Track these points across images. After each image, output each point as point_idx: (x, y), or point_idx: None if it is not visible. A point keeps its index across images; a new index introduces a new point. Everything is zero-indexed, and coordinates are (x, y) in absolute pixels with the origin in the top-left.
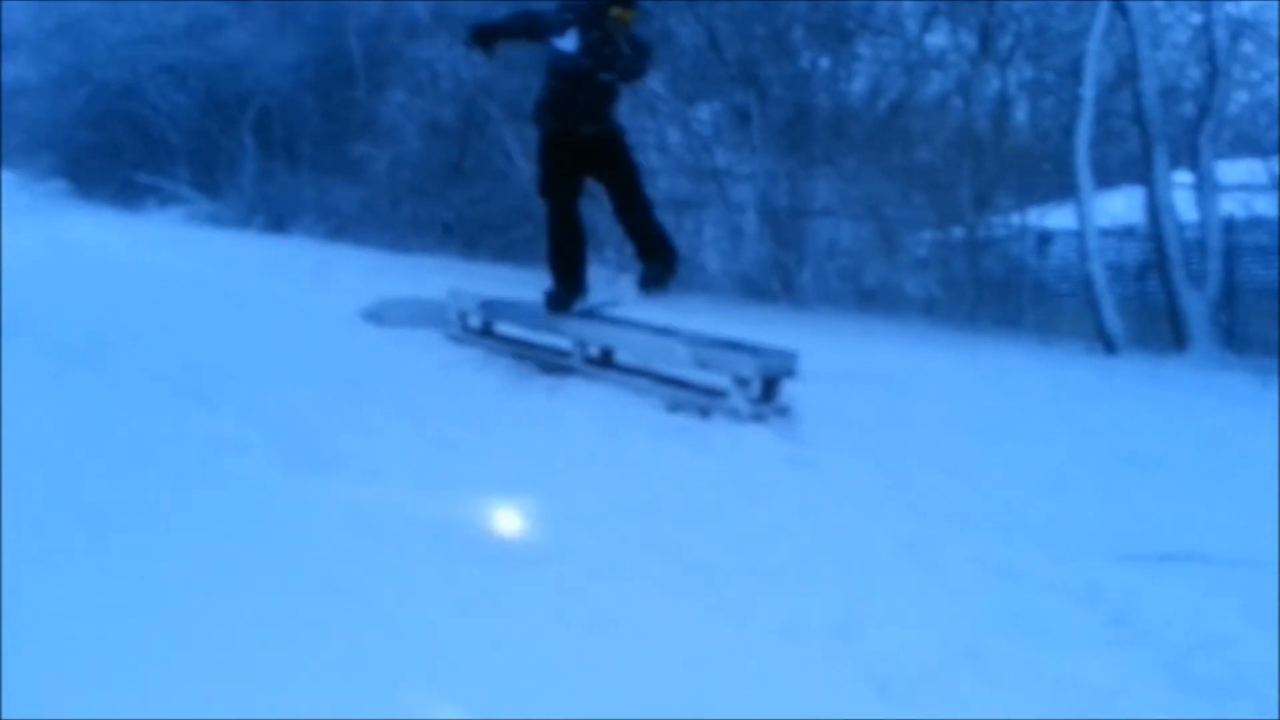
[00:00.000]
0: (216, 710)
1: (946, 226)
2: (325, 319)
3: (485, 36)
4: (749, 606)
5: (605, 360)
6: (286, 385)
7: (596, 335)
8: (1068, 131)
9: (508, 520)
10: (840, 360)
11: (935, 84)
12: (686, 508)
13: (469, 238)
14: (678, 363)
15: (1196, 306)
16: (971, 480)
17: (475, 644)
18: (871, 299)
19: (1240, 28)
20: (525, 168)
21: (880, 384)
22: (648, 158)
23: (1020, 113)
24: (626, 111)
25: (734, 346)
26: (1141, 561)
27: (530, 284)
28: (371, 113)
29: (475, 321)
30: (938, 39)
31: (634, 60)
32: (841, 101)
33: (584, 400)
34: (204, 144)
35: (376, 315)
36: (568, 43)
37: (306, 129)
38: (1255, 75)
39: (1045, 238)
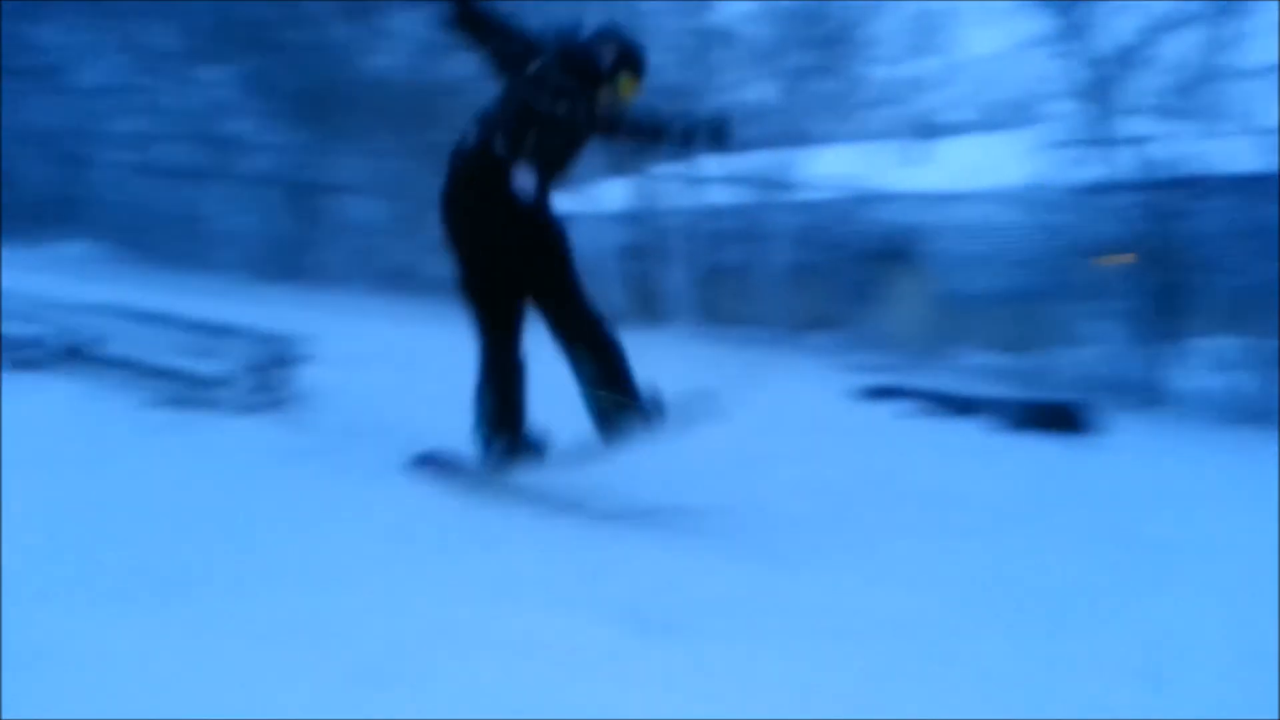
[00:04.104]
0: None
1: None
2: None
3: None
4: (223, 614)
5: (83, 351)
6: None
7: (73, 322)
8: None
9: None
10: (355, 342)
11: (460, 64)
12: (166, 513)
13: None
14: (169, 352)
15: (678, 283)
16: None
17: None
18: (393, 279)
19: (723, 36)
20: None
21: (391, 365)
22: (147, 121)
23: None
24: (123, 67)
25: (231, 333)
26: (618, 518)
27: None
28: None
29: None
30: None
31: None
32: (367, 75)
33: (53, 398)
34: None
35: None
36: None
37: None
38: (735, 79)
39: None
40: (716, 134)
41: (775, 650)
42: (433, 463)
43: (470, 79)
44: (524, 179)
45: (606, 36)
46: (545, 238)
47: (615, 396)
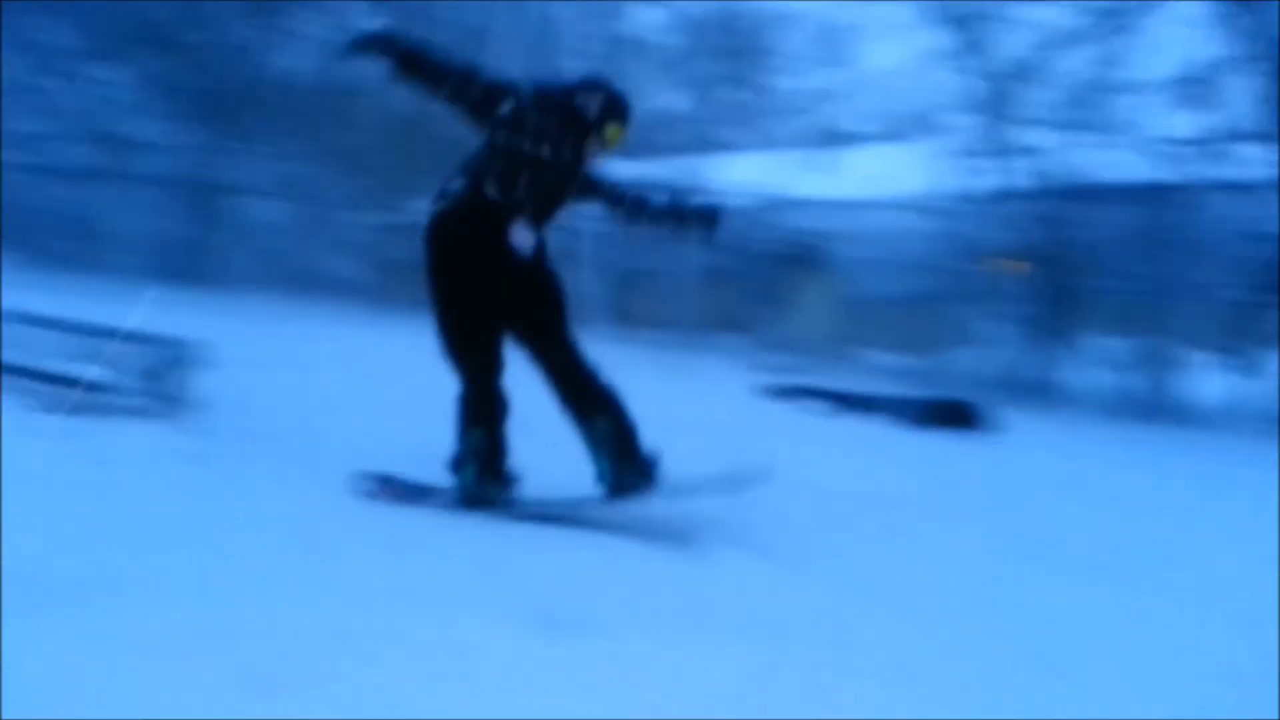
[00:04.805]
0: None
1: (374, 209)
2: None
3: (401, 57)
4: (114, 623)
5: None
6: None
7: None
8: None
9: None
10: (256, 345)
11: (366, 68)
12: (54, 520)
13: None
14: (59, 357)
15: (592, 287)
16: (363, 456)
17: None
18: (297, 280)
19: (634, 44)
20: None
21: (292, 368)
22: (42, 121)
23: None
24: (17, 65)
25: (124, 337)
26: (525, 519)
27: None
28: None
29: None
30: (372, 22)
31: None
32: (272, 77)
33: None
34: None
35: None
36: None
37: None
38: (646, 87)
39: None
40: (706, 221)
41: (687, 647)
42: (395, 487)
43: (376, 81)
44: (522, 236)
45: (591, 85)
46: (545, 294)
47: (629, 465)
